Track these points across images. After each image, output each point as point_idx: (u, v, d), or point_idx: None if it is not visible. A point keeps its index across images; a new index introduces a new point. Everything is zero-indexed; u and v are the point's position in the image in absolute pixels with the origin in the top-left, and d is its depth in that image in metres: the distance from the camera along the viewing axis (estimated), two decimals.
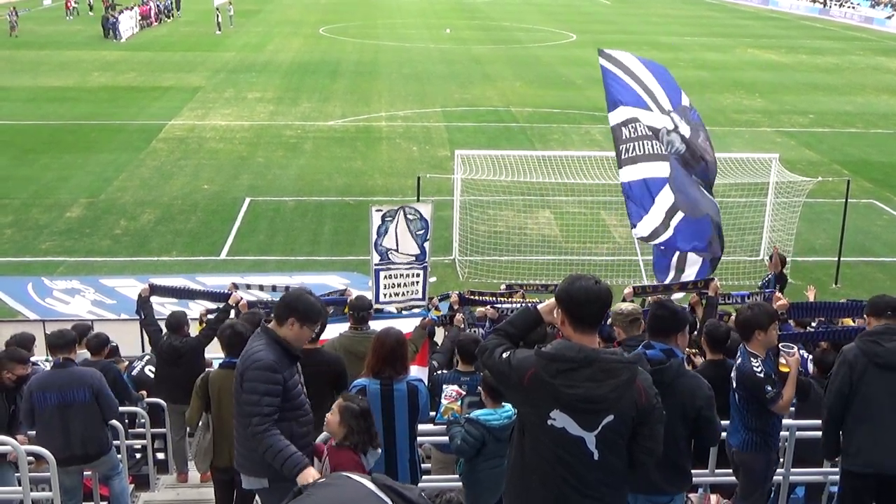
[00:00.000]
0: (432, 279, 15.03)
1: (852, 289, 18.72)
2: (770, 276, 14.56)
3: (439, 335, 12.53)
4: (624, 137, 11.81)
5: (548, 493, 4.16)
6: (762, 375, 6.19)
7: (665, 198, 11.47)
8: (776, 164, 20.18)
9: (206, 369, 7.35)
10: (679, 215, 11.34)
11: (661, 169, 11.59)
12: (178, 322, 10.14)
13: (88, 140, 29.01)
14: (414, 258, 11.71)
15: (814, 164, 27.68)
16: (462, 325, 10.52)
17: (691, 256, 11.81)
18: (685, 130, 11.85)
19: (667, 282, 11.81)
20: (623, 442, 4.15)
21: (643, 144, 11.71)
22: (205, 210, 22.51)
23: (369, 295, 10.97)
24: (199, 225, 21.55)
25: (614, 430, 4.09)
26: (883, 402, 5.78)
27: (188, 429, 7.78)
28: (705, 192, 11.57)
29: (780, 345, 6.43)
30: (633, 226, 11.61)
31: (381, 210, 11.97)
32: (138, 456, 9.87)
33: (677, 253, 11.84)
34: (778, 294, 7.07)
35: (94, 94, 35.92)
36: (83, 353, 9.57)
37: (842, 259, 18.86)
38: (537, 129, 31.55)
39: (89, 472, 8.00)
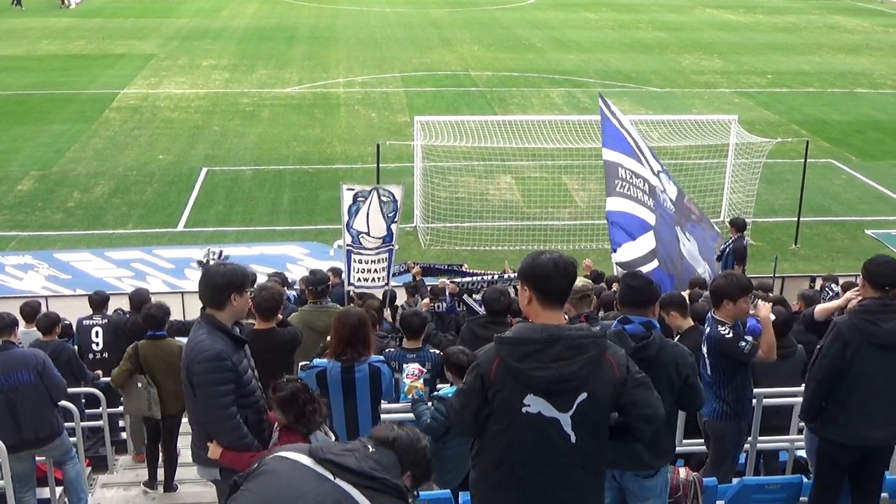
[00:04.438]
0: (395, 246, 14.90)
1: (811, 248, 18.90)
2: (729, 244, 14.44)
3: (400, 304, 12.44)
4: (619, 175, 12.45)
5: (523, 483, 4.02)
6: (731, 335, 6.15)
7: (647, 241, 12.11)
8: (735, 125, 20.20)
9: (136, 342, 8.34)
10: (654, 263, 11.94)
11: (649, 217, 12.46)
12: (141, 299, 10.05)
13: (39, 110, 28.27)
14: (381, 240, 11.71)
15: (772, 124, 27.80)
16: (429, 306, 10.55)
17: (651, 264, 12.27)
18: (672, 192, 12.86)
19: (621, 261, 12.22)
20: (600, 420, 4.02)
21: (636, 191, 12.38)
22: (161, 181, 22.06)
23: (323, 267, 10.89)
24: (155, 196, 21.13)
25: (590, 408, 3.95)
26: (874, 377, 5.72)
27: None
28: (685, 257, 12.36)
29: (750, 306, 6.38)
30: (614, 250, 12.15)
31: (353, 189, 11.87)
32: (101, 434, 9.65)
33: (641, 240, 12.27)
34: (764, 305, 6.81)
35: (43, 62, 34.97)
36: (34, 334, 9.32)
37: (801, 219, 18.98)
38: (497, 93, 31.32)
39: (42, 458, 7.77)
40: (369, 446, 3.39)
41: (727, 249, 14.41)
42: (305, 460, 3.30)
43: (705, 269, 12.84)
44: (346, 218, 11.73)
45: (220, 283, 5.12)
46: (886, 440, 5.91)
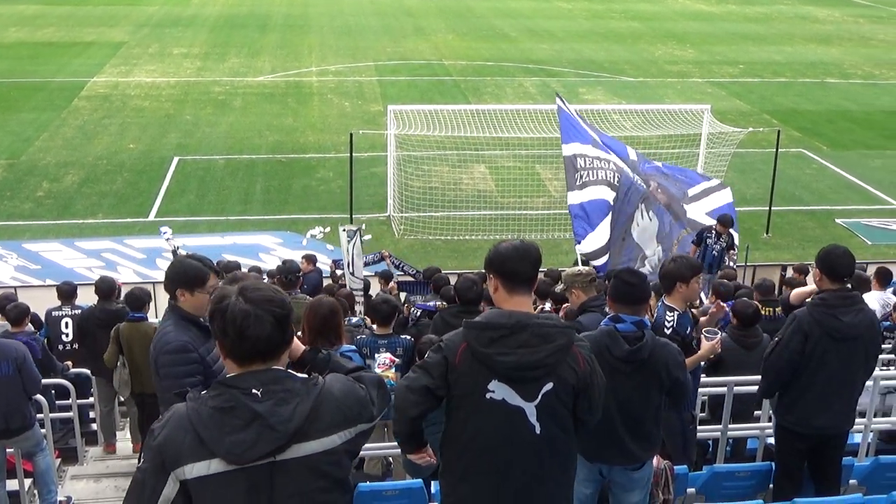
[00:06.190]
0: (367, 237, 14.92)
1: (783, 238, 19.04)
2: (727, 242, 14.04)
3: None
4: (578, 166, 12.48)
5: (491, 472, 3.99)
6: (668, 332, 6.06)
7: (607, 224, 12.21)
8: (708, 115, 20.29)
9: (118, 323, 8.54)
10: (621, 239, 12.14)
11: (608, 194, 12.29)
12: (109, 288, 9.90)
13: (7, 99, 27.90)
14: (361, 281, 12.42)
15: (744, 114, 27.97)
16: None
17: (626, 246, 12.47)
18: (639, 183, 12.80)
19: (585, 251, 12.36)
20: (567, 412, 3.99)
21: (597, 172, 12.40)
22: (131, 170, 21.85)
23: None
24: (125, 186, 20.93)
25: (556, 399, 3.92)
26: (832, 368, 5.73)
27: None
28: (631, 236, 12.53)
29: (704, 329, 6.24)
30: (578, 242, 12.19)
31: (345, 229, 12.35)
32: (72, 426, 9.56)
33: (601, 227, 12.44)
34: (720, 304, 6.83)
35: (11, 50, 34.52)
36: (2, 325, 9.20)
37: (772, 208, 19.11)
38: (471, 83, 31.29)
39: (12, 450, 7.68)
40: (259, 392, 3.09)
41: (722, 246, 13.94)
42: None
43: (655, 251, 12.73)
44: (347, 258, 12.26)
45: (171, 276, 5.08)
46: (841, 426, 5.96)
